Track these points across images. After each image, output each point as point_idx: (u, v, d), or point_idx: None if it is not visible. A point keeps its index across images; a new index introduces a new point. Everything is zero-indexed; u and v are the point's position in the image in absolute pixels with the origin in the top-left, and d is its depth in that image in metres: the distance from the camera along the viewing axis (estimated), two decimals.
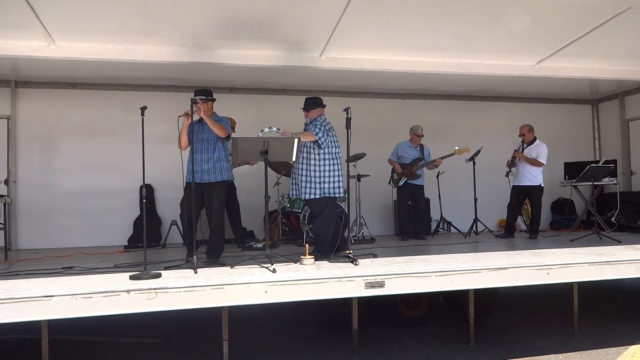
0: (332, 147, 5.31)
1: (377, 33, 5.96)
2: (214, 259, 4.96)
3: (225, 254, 5.23)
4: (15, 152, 7.45)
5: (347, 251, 4.73)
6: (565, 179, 8.17)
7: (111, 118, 7.75)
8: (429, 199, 8.11)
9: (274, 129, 4.84)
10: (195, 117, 4.94)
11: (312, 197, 5.23)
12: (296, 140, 4.69)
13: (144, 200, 4.43)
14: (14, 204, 7.25)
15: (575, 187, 7.92)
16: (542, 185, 7.16)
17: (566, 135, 9.36)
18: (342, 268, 4.31)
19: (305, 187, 5.25)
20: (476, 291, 4.83)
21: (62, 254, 6.18)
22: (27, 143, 7.53)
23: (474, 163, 7.72)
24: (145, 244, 4.32)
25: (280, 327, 5.52)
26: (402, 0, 5.26)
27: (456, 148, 7.40)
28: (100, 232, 7.52)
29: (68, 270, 4.74)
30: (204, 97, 5.03)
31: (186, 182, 4.88)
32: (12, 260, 5.83)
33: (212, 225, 5.06)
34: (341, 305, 4.77)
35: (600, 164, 7.51)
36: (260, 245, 6.42)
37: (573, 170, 8.08)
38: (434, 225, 8.29)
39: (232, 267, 4.46)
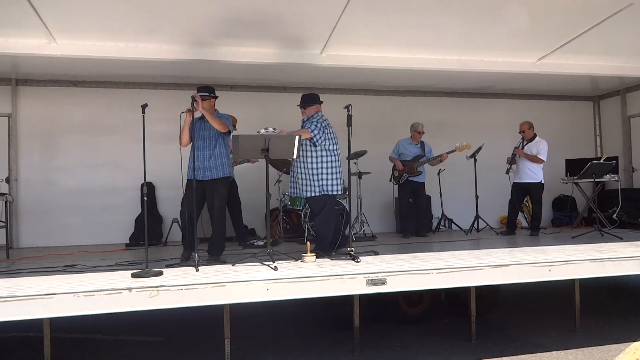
0: (330, 144, 5.24)
1: (378, 30, 5.95)
2: (215, 256, 4.97)
3: (226, 251, 5.23)
4: (17, 150, 7.46)
5: (349, 248, 4.73)
6: (566, 175, 8.15)
7: (112, 116, 7.75)
8: (430, 196, 8.11)
9: (270, 129, 4.84)
10: (197, 114, 4.94)
11: (312, 194, 5.20)
12: (297, 137, 4.68)
13: (145, 198, 4.44)
14: (15, 202, 7.25)
15: (576, 184, 7.91)
16: (543, 182, 7.17)
17: (567, 132, 9.35)
18: (343, 265, 4.32)
19: (304, 185, 5.23)
20: (478, 288, 4.82)
21: (63, 252, 6.19)
22: (28, 141, 7.53)
23: (475, 160, 7.71)
24: (146, 241, 4.31)
25: (282, 325, 5.52)
26: None
27: (457, 145, 7.40)
28: (101, 230, 7.52)
29: (69, 268, 4.75)
30: (207, 94, 5.03)
31: (187, 180, 4.89)
32: (14, 258, 5.83)
33: (213, 222, 5.06)
34: (343, 303, 4.77)
35: (601, 161, 7.50)
36: (261, 243, 6.42)
37: (574, 167, 8.08)
38: (435, 223, 8.28)
39: (233, 265, 4.46)
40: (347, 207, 6.16)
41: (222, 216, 5.10)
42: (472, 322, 4.91)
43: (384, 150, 7.75)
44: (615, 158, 8.07)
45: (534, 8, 5.56)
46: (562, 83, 8.51)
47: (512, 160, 7.35)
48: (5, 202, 6.24)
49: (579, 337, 4.95)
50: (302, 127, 5.34)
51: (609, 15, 5.70)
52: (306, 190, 5.22)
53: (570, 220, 8.77)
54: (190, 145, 5.07)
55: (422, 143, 7.60)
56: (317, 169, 5.18)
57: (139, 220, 7.61)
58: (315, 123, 5.19)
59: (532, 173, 7.14)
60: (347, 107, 4.85)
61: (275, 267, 4.14)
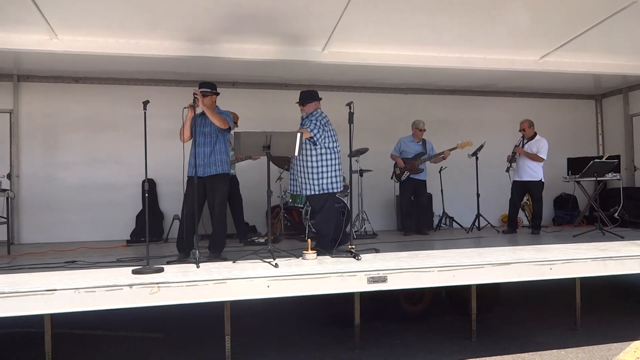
0: (330, 142, 5.19)
1: (380, 28, 5.94)
2: (216, 253, 4.97)
3: (227, 248, 5.23)
4: (18, 147, 7.46)
5: (350, 246, 4.72)
6: (568, 174, 8.14)
7: (113, 112, 7.74)
8: (431, 194, 8.11)
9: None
10: (199, 110, 4.93)
11: (312, 193, 5.18)
12: (299, 134, 4.68)
13: (147, 195, 4.44)
14: (17, 198, 7.26)
15: (578, 182, 7.90)
16: (543, 180, 7.16)
17: (569, 131, 9.33)
18: (344, 263, 4.31)
19: (304, 183, 5.20)
20: (479, 286, 4.81)
21: (64, 248, 6.20)
22: (30, 137, 7.54)
23: (477, 158, 7.71)
24: (147, 238, 4.31)
25: (283, 322, 5.52)
26: None
27: (459, 142, 7.39)
28: (102, 227, 7.53)
29: (71, 264, 4.76)
30: (208, 90, 5.02)
31: (188, 176, 4.88)
32: (15, 254, 5.84)
33: (214, 219, 5.06)
34: (343, 300, 4.76)
35: (603, 160, 7.49)
36: (262, 240, 6.43)
37: (576, 166, 8.07)
38: (436, 221, 8.28)
39: (234, 262, 4.46)
40: (348, 205, 6.16)
41: (223, 213, 5.09)
42: (473, 320, 4.91)
43: (385, 148, 7.74)
44: (617, 157, 8.06)
45: (537, 6, 5.54)
46: (565, 81, 8.49)
47: (512, 159, 7.35)
48: (7, 198, 6.25)
49: (580, 336, 4.94)
50: (301, 124, 5.29)
51: (611, 14, 5.67)
52: (306, 189, 5.20)
53: (572, 218, 8.76)
54: (190, 142, 5.07)
55: (424, 141, 7.59)
56: (317, 167, 5.15)
57: (140, 217, 7.61)
58: (314, 122, 5.14)
59: (532, 171, 7.13)
60: (348, 105, 4.83)
61: (276, 264, 4.14)
